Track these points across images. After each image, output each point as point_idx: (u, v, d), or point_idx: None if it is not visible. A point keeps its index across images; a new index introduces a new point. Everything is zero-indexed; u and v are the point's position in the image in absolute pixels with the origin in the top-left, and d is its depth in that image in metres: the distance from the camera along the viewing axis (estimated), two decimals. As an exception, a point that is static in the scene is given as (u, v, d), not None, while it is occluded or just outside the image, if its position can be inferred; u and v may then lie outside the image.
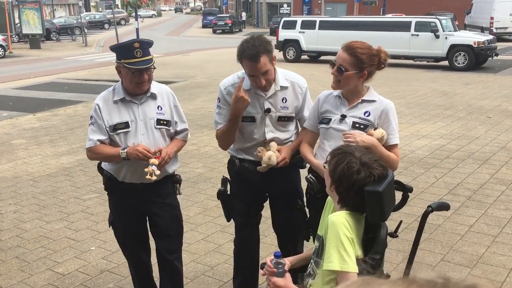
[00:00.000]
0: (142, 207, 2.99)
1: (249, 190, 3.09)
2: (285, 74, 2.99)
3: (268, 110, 2.90)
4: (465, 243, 4.21)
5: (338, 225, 1.87)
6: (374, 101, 2.66)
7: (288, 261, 2.18)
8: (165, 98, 2.96)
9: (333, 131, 2.65)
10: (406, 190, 2.36)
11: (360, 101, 2.66)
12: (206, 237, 4.48)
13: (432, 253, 4.05)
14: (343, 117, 2.64)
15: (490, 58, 16.15)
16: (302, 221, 2.84)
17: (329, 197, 2.20)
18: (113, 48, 2.80)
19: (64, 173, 6.43)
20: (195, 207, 5.17)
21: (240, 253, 3.32)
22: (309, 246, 3.10)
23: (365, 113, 2.63)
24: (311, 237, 2.83)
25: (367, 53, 2.57)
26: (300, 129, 3.09)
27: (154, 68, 2.83)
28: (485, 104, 10.24)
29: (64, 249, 4.30)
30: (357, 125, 2.60)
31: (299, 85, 2.98)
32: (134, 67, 2.73)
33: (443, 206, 2.24)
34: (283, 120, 2.95)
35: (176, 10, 61.77)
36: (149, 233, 3.19)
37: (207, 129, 8.48)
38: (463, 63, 15.71)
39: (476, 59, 15.67)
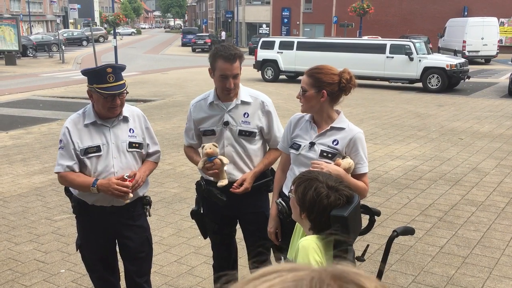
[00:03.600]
0: (111, 230, 2.96)
1: (218, 211, 3.13)
2: (249, 91, 3.07)
3: (227, 123, 2.96)
4: (436, 264, 4.26)
5: (308, 249, 1.89)
6: (343, 128, 2.66)
7: None
8: (136, 120, 2.96)
9: (303, 158, 2.68)
10: (373, 213, 2.39)
11: (329, 128, 2.67)
12: (179, 259, 4.43)
13: (404, 275, 4.09)
14: (312, 144, 2.67)
15: (463, 81, 16.58)
16: (272, 243, 2.85)
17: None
18: (85, 73, 2.79)
19: (36, 193, 6.32)
20: (169, 228, 5.13)
21: (218, 268, 3.38)
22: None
23: (333, 141, 2.65)
24: (282, 258, 2.84)
25: (325, 73, 2.60)
26: (268, 148, 3.14)
27: (127, 92, 2.83)
28: (457, 126, 10.48)
29: (32, 272, 4.20)
30: (325, 153, 2.62)
31: (263, 101, 3.03)
32: (107, 92, 2.72)
33: (408, 231, 2.27)
34: (244, 135, 2.99)
35: (165, 27, 59.71)
36: (118, 256, 3.15)
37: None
38: (437, 85, 16.08)
39: (449, 82, 16.06)
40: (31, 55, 32.75)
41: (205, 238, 3.35)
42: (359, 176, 2.61)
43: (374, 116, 11.56)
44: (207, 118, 3.02)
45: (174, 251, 4.59)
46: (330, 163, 2.56)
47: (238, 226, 3.34)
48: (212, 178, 3.00)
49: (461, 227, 5.05)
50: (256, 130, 3.00)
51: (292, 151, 2.74)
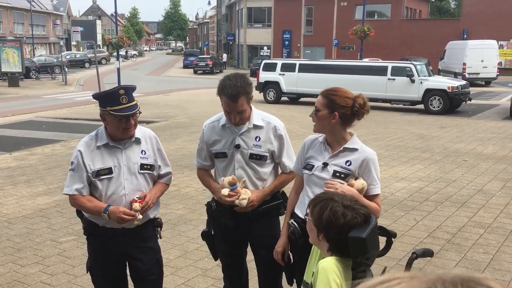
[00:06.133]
0: (122, 252, 2.94)
1: (228, 233, 3.10)
2: (262, 115, 3.06)
3: (238, 146, 2.95)
4: None
5: (328, 271, 1.88)
6: (356, 149, 2.68)
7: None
8: (148, 142, 2.97)
9: (315, 178, 2.68)
10: (390, 235, 2.38)
11: (342, 149, 2.69)
12: (187, 282, 4.39)
13: (414, 298, 4.04)
14: (325, 165, 2.67)
15: (464, 103, 16.65)
16: (285, 265, 2.83)
17: (314, 244, 2.21)
18: (97, 97, 2.81)
19: (40, 214, 6.29)
20: (175, 250, 5.09)
21: None
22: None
23: (346, 162, 2.66)
24: (294, 281, 2.82)
25: (340, 95, 2.63)
26: (280, 172, 3.13)
27: (140, 112, 2.84)
28: (461, 148, 10.48)
29: (38, 295, 4.15)
30: (337, 173, 2.63)
31: (275, 126, 3.02)
32: (121, 114, 2.73)
33: (427, 253, 2.25)
34: (255, 158, 2.98)
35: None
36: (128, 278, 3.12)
37: (188, 169, 8.45)
38: (438, 107, 16.15)
39: (451, 103, 16.14)
40: (34, 77, 32.99)
41: (215, 259, 3.32)
42: (371, 197, 2.61)
43: (377, 138, 11.58)
44: (219, 141, 3.02)
45: (181, 273, 4.55)
46: (343, 183, 2.56)
47: (249, 248, 3.31)
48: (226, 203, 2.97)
49: (470, 250, 5.01)
50: (267, 154, 3.00)
51: (305, 171, 2.74)
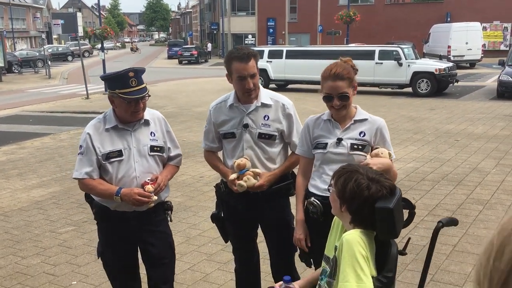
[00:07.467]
0: (133, 236, 2.90)
1: (238, 214, 3.07)
2: (270, 94, 3.02)
3: (246, 126, 2.91)
4: (452, 263, 4.26)
5: (354, 243, 1.86)
6: (365, 119, 2.67)
7: (297, 285, 2.13)
8: (157, 124, 2.92)
9: (332, 155, 2.64)
10: (413, 207, 2.39)
11: (352, 122, 2.68)
12: (192, 267, 4.36)
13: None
14: (340, 140, 2.65)
15: (451, 85, 16.78)
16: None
17: (335, 218, 2.19)
18: (105, 78, 2.74)
19: (37, 207, 6.19)
20: (177, 237, 5.04)
21: (240, 271, 3.31)
22: (308, 270, 3.08)
23: (360, 133, 2.65)
24: (312, 263, 2.79)
25: (347, 68, 2.62)
26: (290, 152, 3.09)
27: (149, 96, 2.79)
28: (452, 128, 10.57)
29: (43, 285, 4.09)
30: (355, 146, 2.61)
31: (284, 104, 2.98)
32: (130, 96, 2.67)
33: (453, 222, 2.27)
34: (264, 138, 2.92)
35: (132, 50, 58.97)
36: (139, 263, 3.09)
37: (183, 158, 8.36)
38: (426, 89, 16.25)
39: (438, 86, 16.25)
40: (17, 71, 32.42)
41: (226, 242, 3.30)
42: None
43: (368, 121, 11.60)
44: (227, 121, 2.96)
45: (186, 259, 4.52)
46: (363, 155, 2.55)
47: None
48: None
49: (471, 225, 5.05)
50: (276, 133, 2.94)
51: (319, 151, 2.70)
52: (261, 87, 2.98)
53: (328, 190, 2.12)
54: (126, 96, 2.66)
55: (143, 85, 2.74)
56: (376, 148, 2.60)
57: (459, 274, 4.05)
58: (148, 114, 2.88)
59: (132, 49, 60.05)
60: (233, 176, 2.87)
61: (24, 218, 5.78)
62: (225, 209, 3.13)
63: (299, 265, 3.28)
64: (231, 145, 2.99)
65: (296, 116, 3.03)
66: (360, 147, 2.60)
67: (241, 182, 2.85)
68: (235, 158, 2.93)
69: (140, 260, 3.06)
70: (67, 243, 4.97)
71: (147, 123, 2.85)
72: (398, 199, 1.97)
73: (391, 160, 2.62)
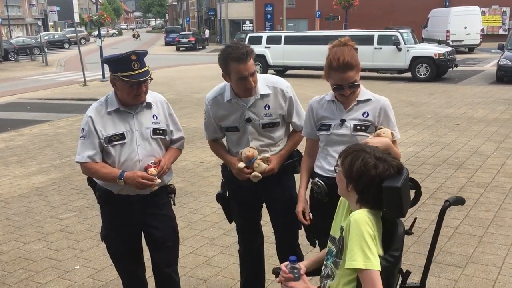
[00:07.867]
0: (137, 220, 2.88)
1: (243, 194, 3.06)
2: (266, 80, 2.95)
3: (249, 120, 2.87)
4: (453, 244, 4.27)
5: (361, 223, 1.85)
6: (369, 99, 2.65)
7: (303, 265, 2.13)
8: (160, 106, 2.89)
9: (335, 137, 2.63)
10: (419, 187, 2.38)
11: (356, 102, 2.66)
12: (195, 250, 4.37)
13: (423, 256, 4.07)
14: (343, 121, 2.63)
15: (450, 69, 16.73)
16: (307, 227, 2.79)
17: (341, 198, 2.18)
18: (107, 61, 2.70)
19: (37, 193, 6.18)
20: (179, 221, 4.95)
21: (244, 252, 3.31)
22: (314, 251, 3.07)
23: (363, 113, 2.63)
24: (316, 242, 2.80)
25: (353, 55, 2.59)
26: (291, 130, 3.08)
27: (151, 79, 2.75)
28: (451, 112, 10.55)
29: (46, 270, 4.09)
30: (358, 127, 2.60)
31: (282, 89, 2.93)
32: (133, 80, 2.63)
33: (460, 201, 2.26)
34: (268, 127, 2.91)
35: (134, 36, 60.70)
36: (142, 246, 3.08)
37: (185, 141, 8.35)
38: (425, 74, 16.20)
39: (437, 70, 16.20)
40: (13, 59, 32.24)
41: (230, 222, 3.29)
42: (393, 143, 2.58)
43: (368, 106, 11.58)
44: (227, 116, 2.91)
45: (188, 243, 4.52)
46: (367, 136, 2.54)
47: (265, 212, 3.27)
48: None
49: (472, 208, 5.06)
50: (279, 120, 2.93)
51: (322, 132, 2.69)
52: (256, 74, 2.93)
53: (335, 170, 2.11)
54: (129, 79, 2.63)
55: (145, 68, 2.71)
56: (380, 128, 2.59)
57: (460, 255, 4.06)
58: (150, 97, 2.85)
59: (134, 36, 61.62)
60: (241, 165, 2.85)
61: (25, 205, 5.77)
62: (231, 189, 3.12)
63: (304, 248, 3.29)
64: (235, 137, 2.96)
65: (295, 97, 3.00)
66: (363, 127, 2.59)
67: (256, 173, 2.84)
68: (241, 148, 2.91)
69: (144, 244, 3.05)
70: (69, 229, 4.97)
71: (149, 106, 2.83)
72: (406, 179, 1.95)
73: (394, 140, 2.60)
